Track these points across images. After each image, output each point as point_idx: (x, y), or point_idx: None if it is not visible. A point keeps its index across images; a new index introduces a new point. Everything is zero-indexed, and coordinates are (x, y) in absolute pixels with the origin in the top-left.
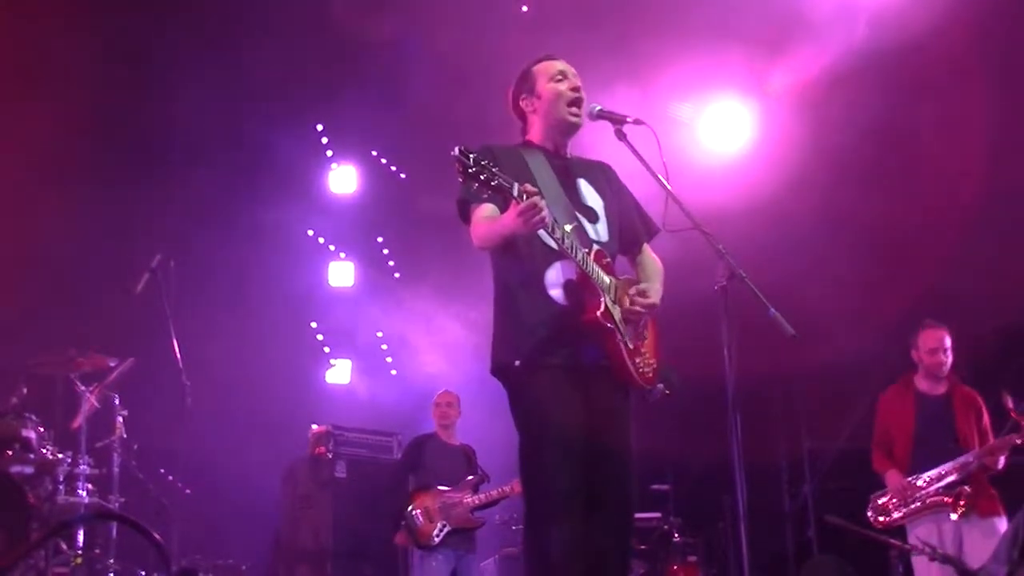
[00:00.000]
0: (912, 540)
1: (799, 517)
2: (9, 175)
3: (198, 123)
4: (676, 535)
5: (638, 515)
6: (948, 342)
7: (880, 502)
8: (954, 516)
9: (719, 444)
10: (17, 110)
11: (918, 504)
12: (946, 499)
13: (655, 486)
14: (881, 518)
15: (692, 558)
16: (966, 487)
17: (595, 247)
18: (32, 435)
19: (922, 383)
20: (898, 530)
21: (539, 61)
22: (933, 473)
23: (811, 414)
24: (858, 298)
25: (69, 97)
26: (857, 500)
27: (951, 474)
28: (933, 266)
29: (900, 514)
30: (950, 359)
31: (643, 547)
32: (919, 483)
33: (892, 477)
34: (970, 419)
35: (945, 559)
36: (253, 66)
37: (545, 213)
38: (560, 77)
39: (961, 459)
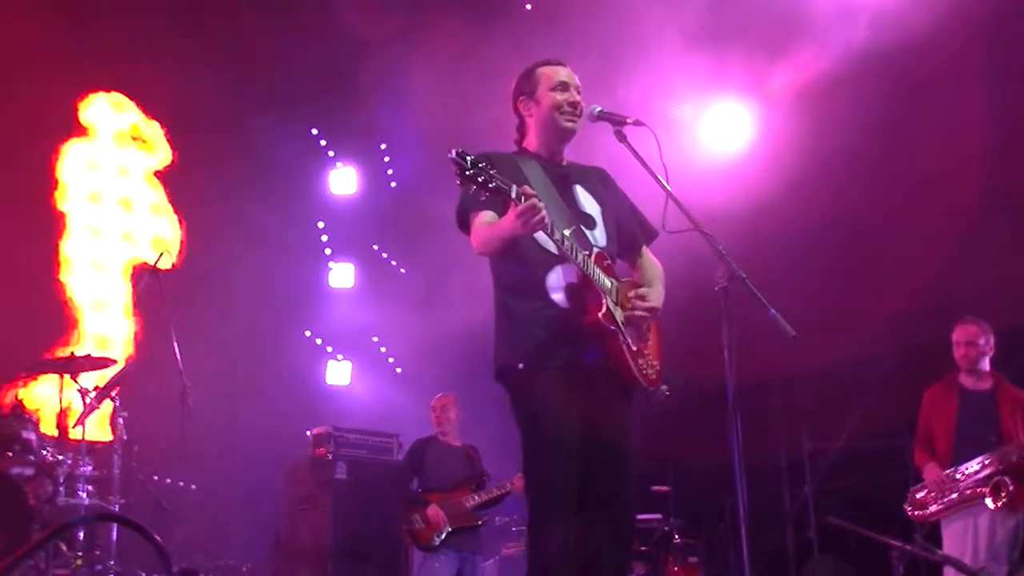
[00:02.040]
0: (945, 536)
1: (799, 518)
2: (9, 176)
3: (199, 124)
4: (677, 536)
5: (639, 516)
6: (979, 338)
7: (918, 496)
8: (991, 504)
9: (719, 445)
10: (16, 111)
11: (955, 497)
12: (983, 490)
13: (656, 487)
14: (918, 512)
15: (693, 559)
16: (1006, 478)
17: (595, 250)
18: (32, 437)
19: (965, 379)
20: (906, 531)
21: (544, 64)
22: (971, 465)
23: (811, 414)
24: (858, 298)
25: (71, 98)
26: (857, 500)
27: (990, 465)
28: (933, 266)
29: (937, 507)
30: (981, 353)
31: (644, 548)
32: (957, 476)
33: (930, 470)
34: (1016, 416)
35: (945, 560)
36: (253, 67)
37: (544, 214)
38: (561, 88)
39: (1000, 450)
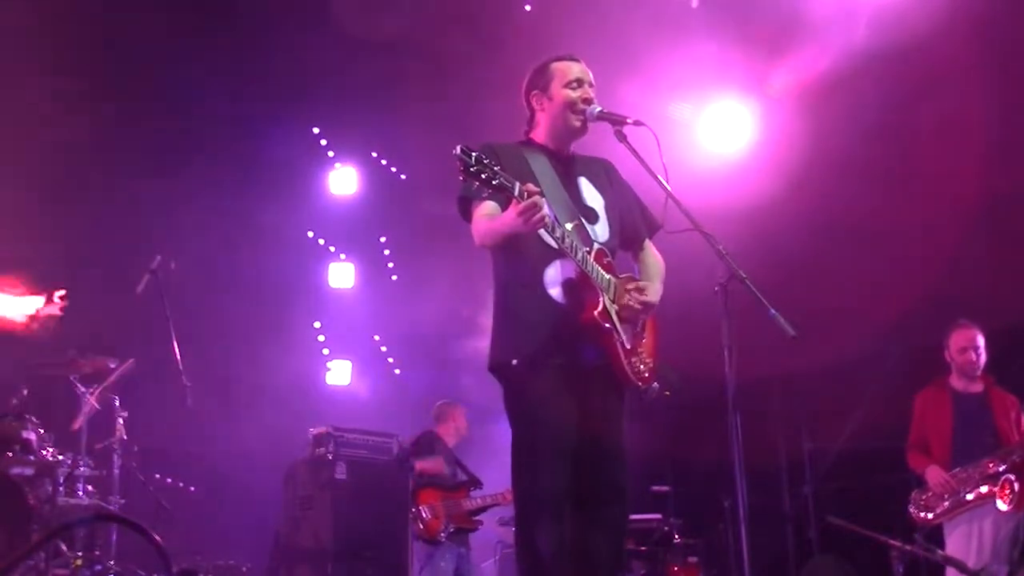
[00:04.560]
0: (948, 541)
1: (800, 518)
2: (8, 176)
3: (199, 124)
4: (676, 536)
5: (639, 516)
6: (980, 341)
7: (923, 498)
8: (1003, 506)
9: (719, 445)
10: (16, 110)
11: (961, 497)
12: (990, 489)
13: (655, 487)
14: (926, 514)
15: (693, 559)
16: (1011, 476)
17: (596, 246)
18: (32, 437)
19: (957, 382)
20: (906, 531)
21: (559, 59)
22: (975, 465)
23: (811, 414)
24: (858, 298)
25: (69, 98)
26: (857, 500)
27: (995, 465)
28: (933, 266)
29: (944, 507)
30: (982, 358)
31: (643, 548)
32: (962, 476)
33: (933, 473)
34: (1009, 417)
35: (946, 560)
36: (254, 67)
37: (545, 212)
38: (576, 85)
39: (1003, 450)
